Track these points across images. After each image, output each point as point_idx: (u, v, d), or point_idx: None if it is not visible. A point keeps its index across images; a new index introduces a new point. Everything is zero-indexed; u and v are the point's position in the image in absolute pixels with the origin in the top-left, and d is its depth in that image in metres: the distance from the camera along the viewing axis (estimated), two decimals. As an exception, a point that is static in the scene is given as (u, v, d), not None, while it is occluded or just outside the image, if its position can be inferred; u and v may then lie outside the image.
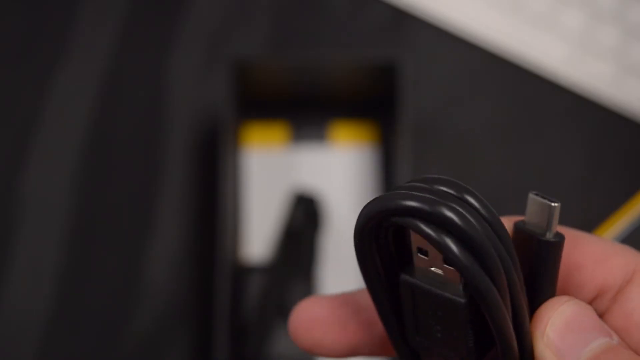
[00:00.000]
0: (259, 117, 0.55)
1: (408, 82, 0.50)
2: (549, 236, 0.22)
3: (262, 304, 0.50)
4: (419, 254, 0.22)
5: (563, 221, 0.23)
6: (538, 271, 0.23)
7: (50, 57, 0.56)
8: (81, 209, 0.53)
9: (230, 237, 0.49)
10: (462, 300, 0.22)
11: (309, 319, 0.26)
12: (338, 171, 0.54)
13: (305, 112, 0.55)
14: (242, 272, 0.51)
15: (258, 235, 0.53)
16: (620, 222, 0.49)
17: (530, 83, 0.56)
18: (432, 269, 0.22)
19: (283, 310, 0.50)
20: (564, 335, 0.22)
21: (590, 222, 0.53)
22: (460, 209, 0.20)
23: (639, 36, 0.57)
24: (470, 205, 0.21)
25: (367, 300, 0.25)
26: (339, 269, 0.53)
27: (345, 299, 0.26)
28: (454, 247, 0.20)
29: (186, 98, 0.56)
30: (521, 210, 0.24)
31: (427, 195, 0.21)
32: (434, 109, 0.56)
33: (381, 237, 0.22)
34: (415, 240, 0.22)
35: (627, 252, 0.24)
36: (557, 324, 0.22)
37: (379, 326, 0.25)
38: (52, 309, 0.52)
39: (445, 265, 0.22)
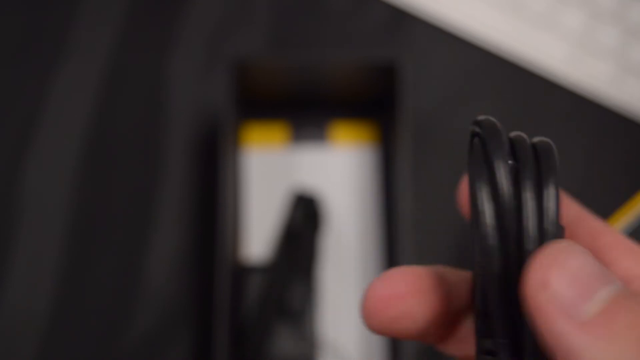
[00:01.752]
0: (259, 117, 0.55)
1: (408, 82, 0.50)
2: None
3: (262, 304, 0.50)
4: None
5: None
6: None
7: (51, 57, 0.56)
8: (81, 208, 0.54)
9: (230, 237, 0.49)
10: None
11: (390, 292, 0.24)
12: (338, 171, 0.54)
13: (305, 112, 0.55)
14: (242, 272, 0.51)
15: (258, 235, 0.53)
16: (620, 222, 0.49)
17: (530, 83, 0.56)
18: None
19: (283, 310, 0.50)
20: (569, 287, 0.20)
21: (590, 222, 0.52)
22: None
23: (639, 36, 0.57)
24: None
25: (451, 275, 0.24)
26: (339, 269, 0.53)
27: (430, 271, 0.25)
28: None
29: (186, 98, 0.56)
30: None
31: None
32: (434, 109, 0.56)
33: None
34: None
35: None
36: (562, 274, 0.20)
37: (458, 301, 0.24)
38: (52, 309, 0.52)
39: None
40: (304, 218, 0.51)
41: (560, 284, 0.20)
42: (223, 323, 0.47)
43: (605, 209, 0.53)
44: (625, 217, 0.49)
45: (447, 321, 0.25)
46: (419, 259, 0.51)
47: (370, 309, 0.24)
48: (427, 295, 0.24)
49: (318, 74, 0.53)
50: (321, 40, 0.57)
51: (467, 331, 0.25)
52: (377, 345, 0.51)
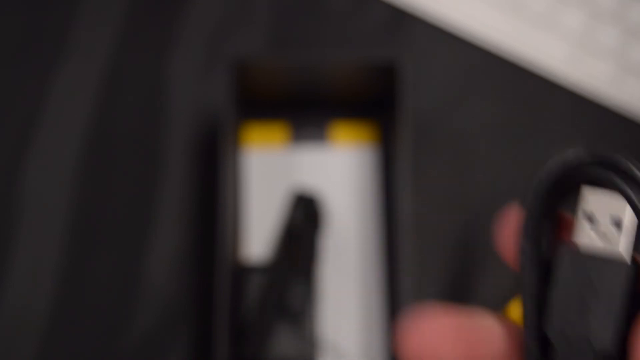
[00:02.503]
0: (259, 117, 0.55)
1: (408, 82, 0.50)
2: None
3: (262, 304, 0.50)
4: (585, 222, 0.22)
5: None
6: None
7: (51, 57, 0.56)
8: (81, 209, 0.54)
9: (230, 237, 0.49)
10: (630, 264, 0.22)
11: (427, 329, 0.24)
12: (338, 171, 0.54)
13: (305, 112, 0.55)
14: (242, 272, 0.51)
15: (258, 235, 0.53)
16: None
17: (530, 83, 0.56)
18: (596, 238, 0.22)
19: (283, 310, 0.50)
20: None
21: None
22: None
23: (639, 36, 0.57)
24: None
25: (479, 322, 0.24)
26: (339, 269, 0.53)
27: (460, 314, 0.25)
28: None
29: (186, 98, 0.56)
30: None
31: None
32: (434, 109, 0.56)
33: (559, 200, 0.23)
34: (588, 206, 0.23)
35: None
36: None
37: (484, 348, 0.24)
38: (52, 309, 0.52)
39: (613, 229, 0.22)
40: (304, 218, 0.51)
41: None
42: (223, 323, 0.47)
43: (605, 209, 0.53)
44: (625, 217, 0.49)
45: None
46: (418, 259, 0.51)
47: (410, 338, 0.24)
48: (452, 339, 0.24)
49: (318, 74, 0.53)
50: (321, 40, 0.57)
51: None
52: (377, 346, 0.51)
